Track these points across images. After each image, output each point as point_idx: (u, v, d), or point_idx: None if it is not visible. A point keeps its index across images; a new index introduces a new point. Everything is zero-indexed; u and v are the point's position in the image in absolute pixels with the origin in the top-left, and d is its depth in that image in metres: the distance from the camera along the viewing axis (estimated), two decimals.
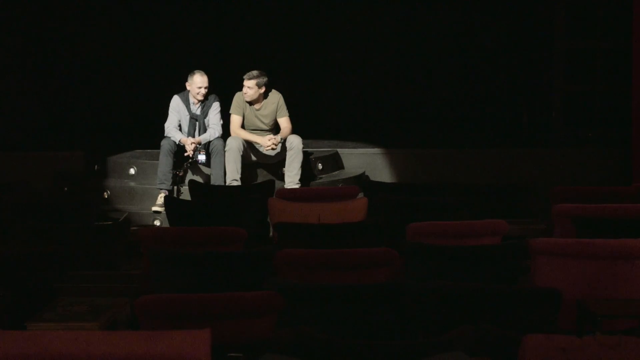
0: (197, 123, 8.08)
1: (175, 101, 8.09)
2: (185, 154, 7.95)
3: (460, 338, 3.31)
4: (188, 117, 8.08)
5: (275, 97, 8.14)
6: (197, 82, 7.98)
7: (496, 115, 10.77)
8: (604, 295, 4.50)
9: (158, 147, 7.98)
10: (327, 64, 10.95)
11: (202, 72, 8.03)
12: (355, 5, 10.93)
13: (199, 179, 8.02)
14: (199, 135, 8.06)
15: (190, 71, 8.10)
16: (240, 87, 8.10)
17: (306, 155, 8.27)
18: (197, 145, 7.94)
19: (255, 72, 8.01)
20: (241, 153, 7.91)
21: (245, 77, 8.01)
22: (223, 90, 8.33)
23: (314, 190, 7.47)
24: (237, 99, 8.11)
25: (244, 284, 4.41)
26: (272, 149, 8.03)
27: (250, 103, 8.08)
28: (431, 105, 10.90)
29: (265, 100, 8.11)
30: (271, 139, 7.98)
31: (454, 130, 10.44)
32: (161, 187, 7.85)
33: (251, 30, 10.92)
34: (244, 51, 10.66)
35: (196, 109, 8.10)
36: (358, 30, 10.94)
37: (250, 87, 7.98)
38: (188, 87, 8.05)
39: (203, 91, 8.00)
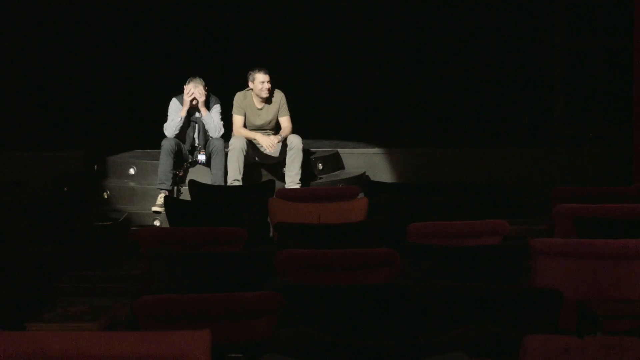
0: (197, 125, 8.07)
1: (175, 104, 8.07)
2: (190, 95, 7.85)
3: (460, 338, 3.31)
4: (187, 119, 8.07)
5: (278, 95, 8.15)
6: (192, 90, 7.96)
7: (497, 115, 10.77)
8: (605, 296, 4.49)
9: (158, 147, 7.97)
10: (327, 64, 10.96)
11: (197, 82, 7.93)
12: (355, 5, 10.92)
13: (199, 179, 8.01)
14: (200, 139, 8.04)
15: (191, 72, 8.09)
16: (239, 88, 8.09)
17: (307, 155, 8.27)
18: (198, 147, 7.94)
19: (264, 68, 8.00)
20: (244, 153, 7.91)
21: (262, 71, 7.93)
22: (222, 91, 8.32)
23: (315, 190, 7.47)
24: (238, 99, 8.10)
25: (244, 284, 4.40)
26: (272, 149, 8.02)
27: (257, 102, 8.03)
28: (431, 105, 10.90)
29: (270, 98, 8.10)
30: (272, 139, 7.98)
31: (454, 130, 10.44)
32: (161, 187, 7.84)
33: (251, 30, 10.92)
34: (243, 52, 10.66)
35: (195, 111, 8.08)
36: (358, 30, 10.94)
37: (269, 80, 7.97)
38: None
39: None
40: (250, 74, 8.03)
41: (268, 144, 7.99)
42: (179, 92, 8.10)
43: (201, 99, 7.92)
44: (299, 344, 3.29)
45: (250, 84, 8.04)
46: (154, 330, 3.34)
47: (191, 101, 7.93)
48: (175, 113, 8.02)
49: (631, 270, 4.56)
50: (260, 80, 7.97)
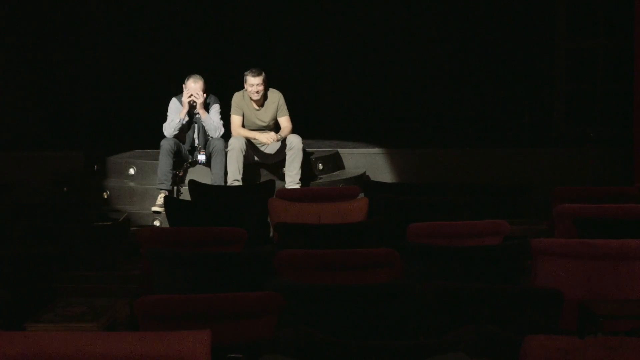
0: (197, 125, 8.06)
1: (175, 104, 8.06)
2: (189, 99, 7.85)
3: (461, 339, 3.30)
4: (187, 119, 8.06)
5: (276, 96, 8.13)
6: (191, 89, 7.95)
7: (497, 115, 10.77)
8: (606, 296, 4.49)
9: (158, 147, 7.96)
10: (327, 64, 10.95)
11: (196, 78, 7.94)
12: (355, 5, 10.91)
13: (199, 179, 8.00)
14: (199, 138, 8.03)
15: (190, 72, 8.08)
16: (238, 87, 8.08)
17: (307, 155, 8.26)
18: (198, 146, 7.93)
19: (258, 69, 8.00)
20: (243, 153, 7.90)
21: (252, 75, 7.94)
22: (222, 91, 8.31)
23: (315, 191, 7.45)
24: (236, 99, 8.10)
25: (244, 284, 4.39)
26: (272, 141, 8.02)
27: (254, 102, 8.03)
28: (432, 105, 10.89)
29: (265, 100, 8.10)
30: (272, 137, 7.98)
31: (455, 130, 10.43)
32: (161, 187, 7.84)
33: (251, 30, 10.91)
34: (243, 51, 10.65)
35: (194, 111, 8.07)
36: (358, 29, 10.93)
37: (260, 83, 7.96)
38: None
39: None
40: (244, 75, 8.03)
41: (267, 137, 7.99)
42: (179, 92, 8.10)
43: (199, 100, 7.90)
44: (299, 344, 3.29)
45: (245, 85, 8.04)
46: (154, 331, 3.33)
47: (190, 102, 7.92)
48: (175, 113, 8.01)
49: (632, 270, 4.55)
50: (250, 83, 7.97)
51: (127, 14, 10.78)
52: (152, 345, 2.92)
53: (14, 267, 4.78)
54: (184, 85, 8.05)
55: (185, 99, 7.92)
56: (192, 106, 7.97)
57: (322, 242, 5.20)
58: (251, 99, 8.03)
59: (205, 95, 7.98)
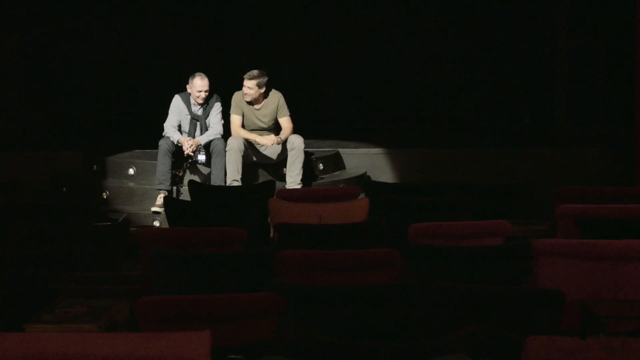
0: (198, 123, 8.05)
1: (177, 101, 8.06)
2: (185, 153, 7.90)
3: (462, 340, 3.29)
4: (189, 117, 8.05)
5: (276, 96, 8.11)
6: (197, 86, 7.95)
7: (499, 115, 10.76)
8: (608, 297, 4.48)
9: (157, 147, 7.94)
10: (328, 64, 10.94)
11: (203, 76, 7.97)
12: (356, 5, 10.91)
13: (198, 179, 7.99)
14: (200, 135, 8.02)
15: (191, 72, 8.07)
16: (239, 87, 8.07)
17: (307, 155, 8.25)
18: (198, 146, 7.91)
19: (255, 72, 7.98)
20: (242, 153, 7.88)
21: (245, 77, 7.98)
22: (223, 90, 8.31)
23: (315, 191, 7.44)
24: (236, 99, 8.09)
25: (244, 285, 4.38)
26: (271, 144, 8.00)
27: (250, 103, 8.05)
28: (433, 105, 10.89)
29: (265, 100, 8.09)
30: (272, 140, 7.95)
31: (456, 130, 10.42)
32: (160, 188, 7.82)
33: (251, 30, 10.90)
34: (244, 51, 10.65)
35: (197, 110, 8.07)
36: (359, 29, 10.93)
37: (251, 87, 7.95)
38: (189, 90, 8.02)
39: (203, 95, 7.96)
40: None
41: (267, 140, 7.97)
42: (180, 91, 8.10)
43: (194, 148, 7.88)
44: (299, 345, 3.27)
45: None
46: (154, 332, 3.32)
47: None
48: (177, 112, 8.02)
49: (634, 270, 4.54)
50: (243, 85, 7.97)
51: (128, 13, 10.77)
52: (151, 346, 2.91)
53: (14, 267, 4.77)
54: (188, 87, 8.03)
55: (184, 148, 7.88)
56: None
57: (322, 243, 5.19)
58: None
59: (207, 93, 7.97)
